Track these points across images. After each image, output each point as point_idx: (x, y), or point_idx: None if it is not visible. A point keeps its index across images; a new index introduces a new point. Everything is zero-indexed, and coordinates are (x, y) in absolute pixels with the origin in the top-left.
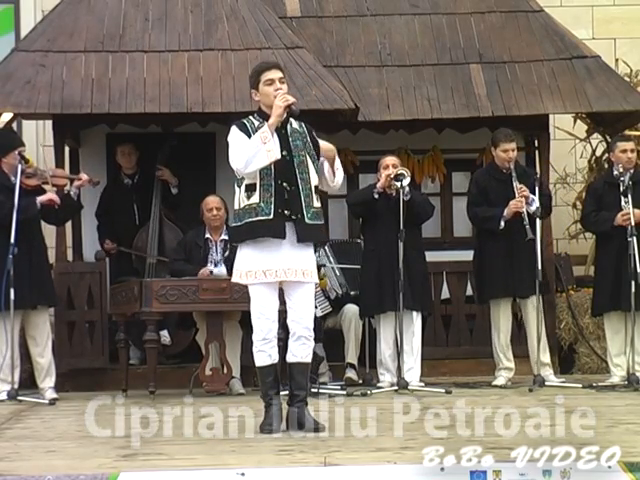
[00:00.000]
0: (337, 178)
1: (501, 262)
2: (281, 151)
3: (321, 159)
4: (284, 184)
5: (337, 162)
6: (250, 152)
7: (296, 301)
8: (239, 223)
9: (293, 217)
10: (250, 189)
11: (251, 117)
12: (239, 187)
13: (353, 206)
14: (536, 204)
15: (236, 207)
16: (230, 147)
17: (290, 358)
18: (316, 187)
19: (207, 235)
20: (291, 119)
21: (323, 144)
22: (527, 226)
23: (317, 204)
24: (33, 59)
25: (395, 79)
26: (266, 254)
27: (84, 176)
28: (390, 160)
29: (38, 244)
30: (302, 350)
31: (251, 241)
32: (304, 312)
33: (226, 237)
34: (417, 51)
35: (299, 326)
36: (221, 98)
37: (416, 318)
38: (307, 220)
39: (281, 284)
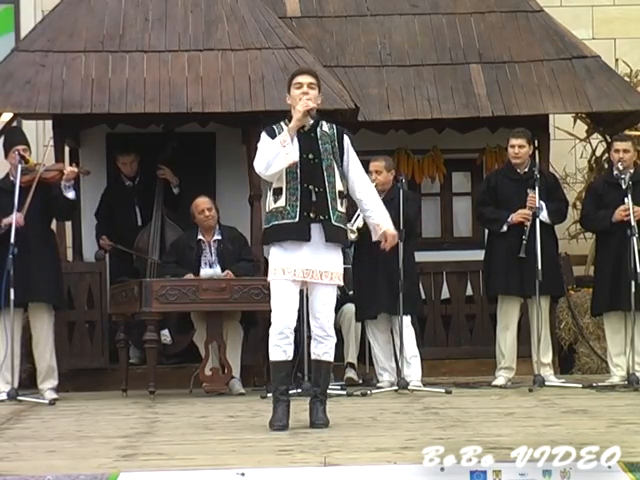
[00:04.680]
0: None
1: (509, 258)
2: (308, 154)
3: (363, 183)
4: (310, 187)
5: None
6: (270, 155)
7: (314, 301)
8: (267, 226)
9: (321, 217)
10: (277, 192)
11: (282, 122)
12: (269, 191)
13: None
14: (545, 211)
15: (266, 210)
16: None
17: (312, 354)
18: (341, 192)
19: (199, 236)
20: (322, 122)
21: (388, 241)
22: (524, 242)
23: (341, 208)
24: (33, 59)
25: (395, 79)
26: (289, 253)
27: (69, 169)
28: (373, 166)
29: (42, 243)
30: (318, 349)
31: (277, 242)
32: (319, 312)
33: (219, 237)
34: (417, 51)
35: (315, 325)
36: (221, 98)
37: (406, 322)
38: (334, 222)
39: (306, 284)
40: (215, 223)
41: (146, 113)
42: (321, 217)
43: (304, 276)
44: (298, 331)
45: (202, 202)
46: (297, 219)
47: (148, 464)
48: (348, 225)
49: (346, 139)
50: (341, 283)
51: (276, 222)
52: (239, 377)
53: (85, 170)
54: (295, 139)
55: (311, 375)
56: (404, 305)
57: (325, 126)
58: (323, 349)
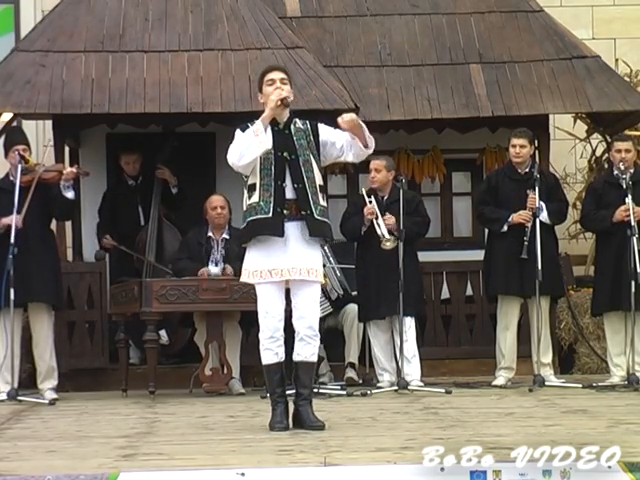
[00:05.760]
0: (370, 147)
1: (509, 258)
2: (283, 152)
3: (346, 134)
4: (283, 184)
5: (366, 131)
6: (243, 145)
7: (300, 300)
8: (244, 224)
9: (302, 213)
10: (251, 189)
11: (255, 121)
12: (245, 189)
13: (344, 236)
14: (545, 212)
15: (243, 209)
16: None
17: (295, 357)
18: (321, 186)
19: (209, 234)
20: (295, 119)
21: (343, 119)
22: (526, 243)
23: (323, 202)
24: (33, 59)
25: (395, 79)
26: (272, 254)
27: (68, 169)
28: (373, 164)
29: (42, 243)
30: (306, 350)
31: (256, 241)
32: (307, 311)
33: (227, 236)
34: (417, 51)
35: (302, 325)
36: (221, 98)
37: (409, 323)
38: (316, 216)
39: (288, 283)
40: (225, 222)
41: (146, 113)
42: (303, 212)
43: (290, 275)
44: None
45: (216, 199)
46: (270, 214)
47: (148, 464)
48: (386, 237)
49: (321, 127)
50: (323, 280)
51: (250, 218)
52: (239, 377)
53: (84, 171)
54: (269, 134)
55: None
56: (407, 306)
57: (299, 122)
58: (311, 350)
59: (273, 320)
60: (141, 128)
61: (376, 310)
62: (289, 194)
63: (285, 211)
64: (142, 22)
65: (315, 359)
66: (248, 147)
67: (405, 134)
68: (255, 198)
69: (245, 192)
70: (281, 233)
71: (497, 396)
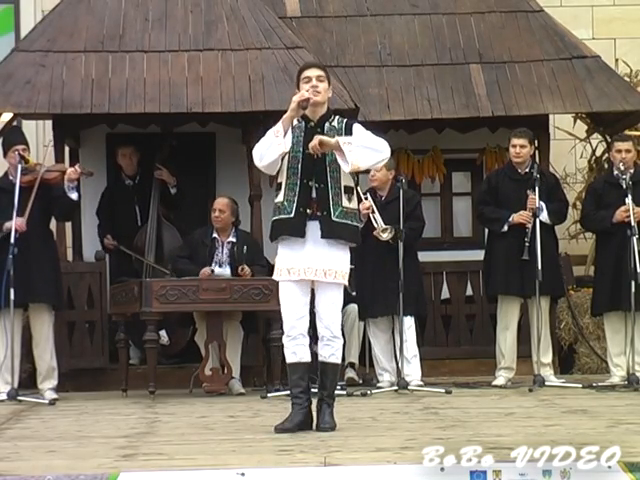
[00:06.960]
0: (355, 162)
1: (509, 258)
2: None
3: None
4: (310, 182)
5: (348, 152)
6: (264, 146)
7: (319, 301)
8: (270, 222)
9: (318, 214)
10: (278, 188)
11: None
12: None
13: None
14: (545, 212)
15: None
16: None
17: (318, 356)
18: (348, 187)
19: (214, 235)
20: (336, 116)
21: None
22: (527, 245)
23: (348, 204)
24: (33, 59)
25: (395, 79)
26: (291, 252)
27: (71, 170)
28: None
29: (42, 243)
30: (324, 350)
31: (282, 239)
32: (324, 312)
33: (234, 239)
34: (417, 51)
35: (320, 326)
36: (221, 98)
37: (409, 323)
38: (334, 218)
39: (313, 283)
40: (225, 225)
41: (146, 113)
42: (318, 213)
43: (306, 274)
44: None
45: (217, 202)
46: (292, 214)
47: (148, 464)
48: (382, 227)
49: (355, 128)
50: (345, 282)
51: (274, 217)
52: (239, 377)
53: (88, 171)
54: (289, 132)
55: (317, 377)
56: (407, 306)
57: (335, 121)
58: (329, 351)
59: (291, 319)
60: (141, 128)
61: (373, 308)
62: (314, 193)
63: (308, 210)
64: (142, 22)
65: (334, 361)
66: (268, 148)
67: (405, 134)
68: (280, 197)
69: (274, 191)
70: (302, 234)
71: (497, 396)
